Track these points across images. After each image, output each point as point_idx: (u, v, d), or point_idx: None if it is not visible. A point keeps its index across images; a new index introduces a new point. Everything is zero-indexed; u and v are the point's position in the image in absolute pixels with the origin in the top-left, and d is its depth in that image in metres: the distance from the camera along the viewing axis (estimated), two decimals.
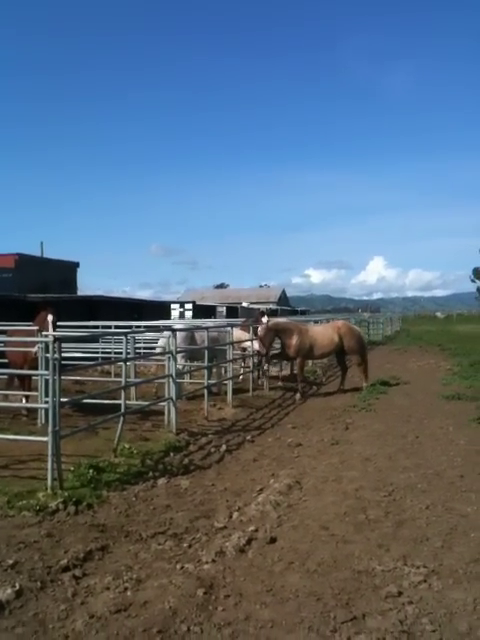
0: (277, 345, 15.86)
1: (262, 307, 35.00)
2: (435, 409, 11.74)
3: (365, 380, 15.28)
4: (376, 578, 4.51)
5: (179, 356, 13.85)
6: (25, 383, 11.76)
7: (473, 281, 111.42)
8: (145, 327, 18.44)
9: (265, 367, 15.85)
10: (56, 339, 6.99)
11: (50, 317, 10.96)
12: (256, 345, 15.21)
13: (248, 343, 15.76)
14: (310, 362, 19.04)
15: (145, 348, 18.53)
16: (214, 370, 14.90)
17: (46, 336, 9.54)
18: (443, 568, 4.65)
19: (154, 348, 16.22)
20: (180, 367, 13.49)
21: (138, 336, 17.09)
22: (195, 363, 14.76)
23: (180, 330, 13.88)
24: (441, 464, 7.69)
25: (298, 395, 14.45)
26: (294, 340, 14.82)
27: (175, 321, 29.35)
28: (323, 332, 15.60)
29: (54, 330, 10.82)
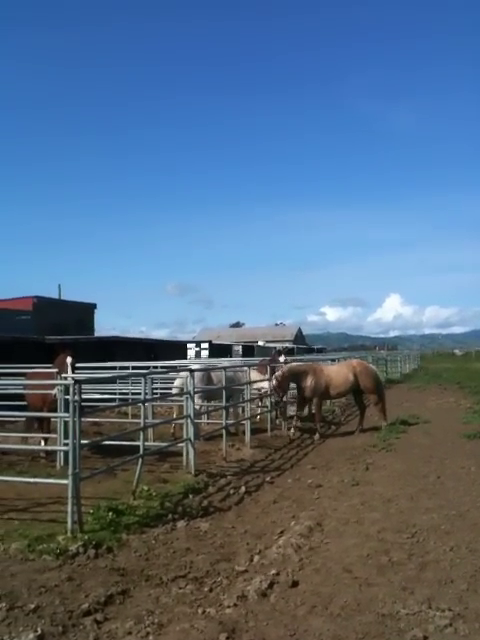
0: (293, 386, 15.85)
1: (278, 346, 34.97)
2: (456, 448, 11.60)
3: (384, 419, 15.14)
4: (400, 622, 4.44)
5: (196, 396, 13.92)
6: (44, 425, 11.82)
7: None
8: (162, 367, 18.52)
9: (282, 411, 15.86)
10: (77, 382, 7.07)
11: (69, 359, 11.09)
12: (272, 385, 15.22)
13: (264, 384, 15.73)
14: (328, 401, 18.92)
15: (162, 389, 18.58)
16: (231, 410, 14.87)
17: (66, 379, 9.64)
18: (469, 611, 4.57)
19: (170, 388, 16.29)
20: (198, 407, 13.53)
21: (155, 377, 17.14)
22: (212, 403, 14.78)
23: (197, 370, 13.96)
24: (464, 505, 7.58)
25: (316, 435, 14.36)
26: (309, 381, 14.81)
27: (192, 361, 29.41)
28: (338, 371, 15.56)
29: (73, 372, 10.94)
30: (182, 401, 11.39)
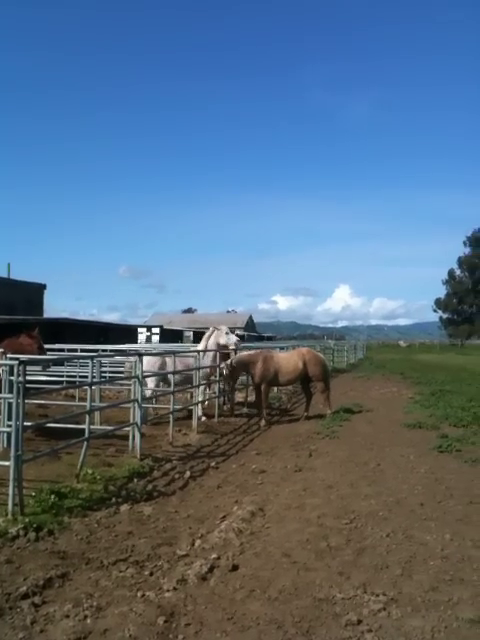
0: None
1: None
2: (397, 437, 11.90)
3: (328, 407, 15.38)
4: (336, 606, 4.56)
5: (151, 381, 13.92)
6: None
7: (435, 311, 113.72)
8: (112, 351, 18.36)
9: (230, 398, 15.97)
10: (21, 362, 6.95)
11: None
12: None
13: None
14: (275, 389, 19.09)
15: (111, 372, 18.43)
16: (180, 395, 14.87)
17: (13, 359, 9.48)
18: (402, 596, 4.72)
19: (119, 372, 16.19)
20: (150, 392, 13.56)
21: (104, 360, 16.99)
22: (160, 388, 14.75)
23: (150, 354, 13.95)
24: (402, 492, 7.80)
25: (262, 422, 14.48)
26: (258, 367, 14.91)
27: (144, 345, 29.21)
28: (288, 359, 15.68)
29: (44, 353, 10.92)
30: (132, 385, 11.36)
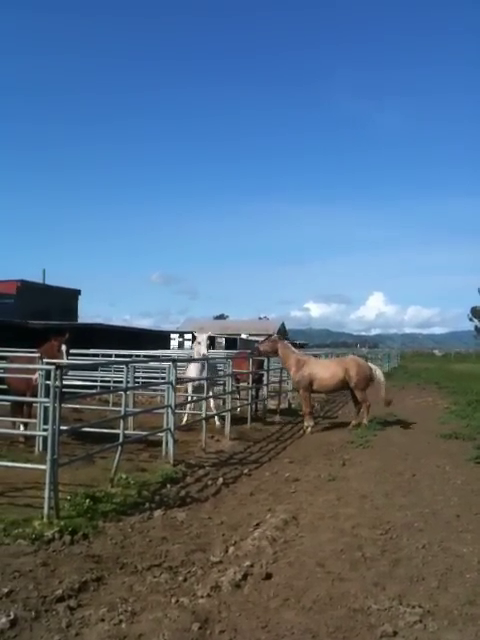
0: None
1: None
2: (432, 447, 11.72)
3: (365, 418, 14.85)
4: (371, 617, 4.51)
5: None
6: (25, 410, 11.76)
7: (471, 319, 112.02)
8: (145, 356, 18.50)
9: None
10: (58, 367, 7.04)
11: (64, 347, 11.17)
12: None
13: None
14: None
15: (144, 378, 18.57)
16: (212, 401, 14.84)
17: (50, 363, 9.63)
18: (438, 608, 4.64)
19: (152, 377, 16.26)
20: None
21: (137, 365, 17.12)
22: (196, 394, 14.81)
23: (186, 360, 14.00)
24: (438, 503, 7.68)
25: (309, 428, 14.33)
26: (291, 371, 14.84)
27: (177, 351, 29.37)
28: (326, 366, 15.15)
29: (67, 359, 11.00)
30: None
